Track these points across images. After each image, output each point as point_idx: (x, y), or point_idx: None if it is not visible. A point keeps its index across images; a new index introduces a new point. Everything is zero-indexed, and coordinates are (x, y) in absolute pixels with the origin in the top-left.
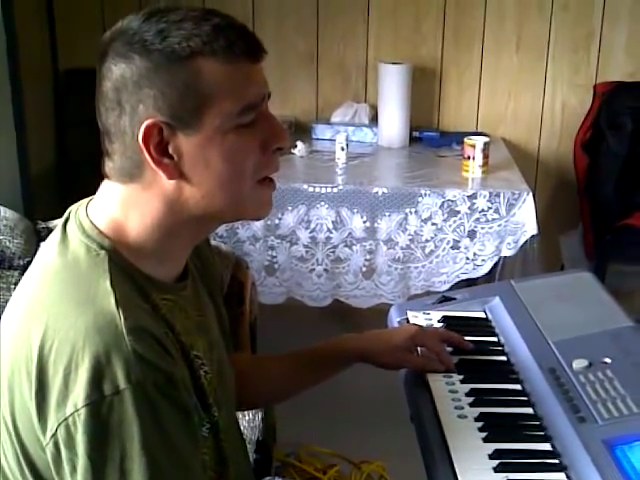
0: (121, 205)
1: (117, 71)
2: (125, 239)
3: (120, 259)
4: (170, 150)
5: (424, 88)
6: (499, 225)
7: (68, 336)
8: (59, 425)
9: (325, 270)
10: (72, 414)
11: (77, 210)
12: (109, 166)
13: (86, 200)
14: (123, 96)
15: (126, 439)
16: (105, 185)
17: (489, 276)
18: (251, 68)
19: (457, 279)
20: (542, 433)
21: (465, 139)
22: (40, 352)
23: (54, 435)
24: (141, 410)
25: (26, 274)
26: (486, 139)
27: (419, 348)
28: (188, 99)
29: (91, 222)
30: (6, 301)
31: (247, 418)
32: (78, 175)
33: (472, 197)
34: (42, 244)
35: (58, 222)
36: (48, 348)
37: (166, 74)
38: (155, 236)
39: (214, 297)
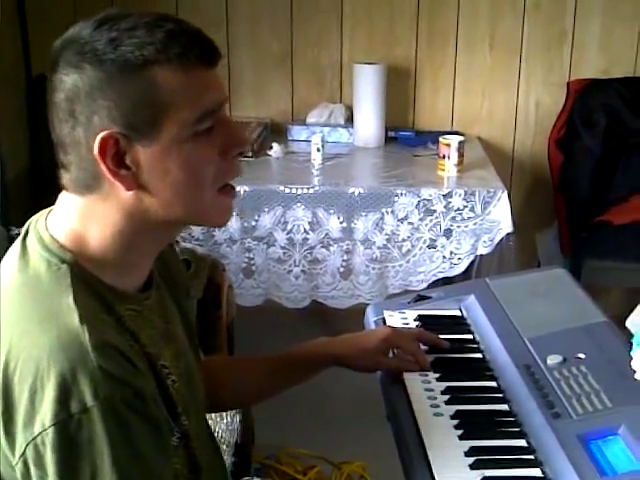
0: (80, 217)
1: (69, 82)
2: (86, 251)
3: (82, 272)
4: (127, 161)
5: (399, 88)
6: (475, 223)
7: (32, 355)
8: (27, 445)
9: (303, 271)
10: (40, 433)
11: (36, 223)
12: (66, 178)
13: (45, 212)
14: (76, 107)
15: (96, 456)
16: (63, 196)
17: (466, 274)
18: (207, 74)
19: (434, 278)
20: (517, 429)
21: (440, 138)
22: (4, 371)
23: (23, 454)
24: (110, 426)
25: None
26: (461, 138)
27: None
28: (143, 109)
29: (51, 235)
30: None
31: (225, 421)
32: (52, 180)
33: (448, 196)
34: (3, 260)
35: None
36: (13, 367)
37: (120, 84)
38: (116, 247)
39: (180, 302)
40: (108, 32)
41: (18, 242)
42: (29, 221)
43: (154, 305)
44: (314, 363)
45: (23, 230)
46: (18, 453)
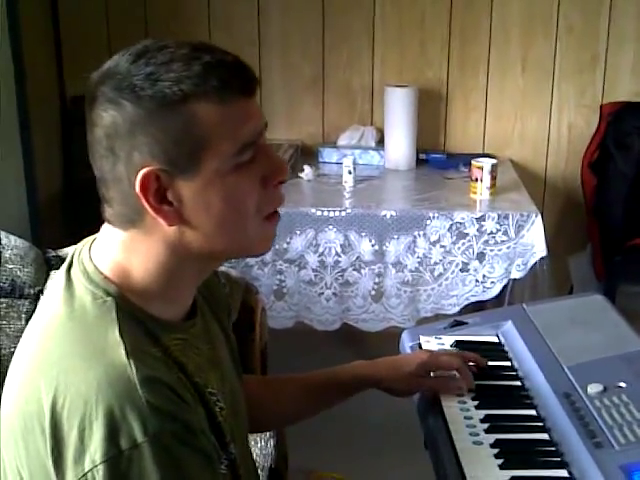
0: (124, 249)
1: (108, 118)
2: (130, 283)
3: (127, 304)
4: (169, 197)
5: (430, 110)
6: (508, 247)
7: (80, 391)
8: None
9: (334, 294)
10: (91, 470)
11: (80, 253)
12: (109, 212)
13: (88, 241)
14: (116, 144)
15: None
16: (106, 228)
17: (499, 298)
18: (246, 104)
19: (466, 302)
20: (558, 459)
21: (473, 161)
22: (53, 408)
23: None
24: (161, 462)
25: (33, 320)
26: (493, 161)
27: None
28: (184, 144)
29: (95, 267)
30: (17, 330)
31: (259, 445)
32: (85, 201)
33: (480, 219)
34: (47, 289)
35: (67, 250)
36: (61, 404)
37: (159, 120)
38: (160, 279)
39: (223, 324)
40: (145, 66)
41: (62, 272)
42: (73, 251)
43: (199, 332)
44: (352, 385)
45: (67, 260)
46: None
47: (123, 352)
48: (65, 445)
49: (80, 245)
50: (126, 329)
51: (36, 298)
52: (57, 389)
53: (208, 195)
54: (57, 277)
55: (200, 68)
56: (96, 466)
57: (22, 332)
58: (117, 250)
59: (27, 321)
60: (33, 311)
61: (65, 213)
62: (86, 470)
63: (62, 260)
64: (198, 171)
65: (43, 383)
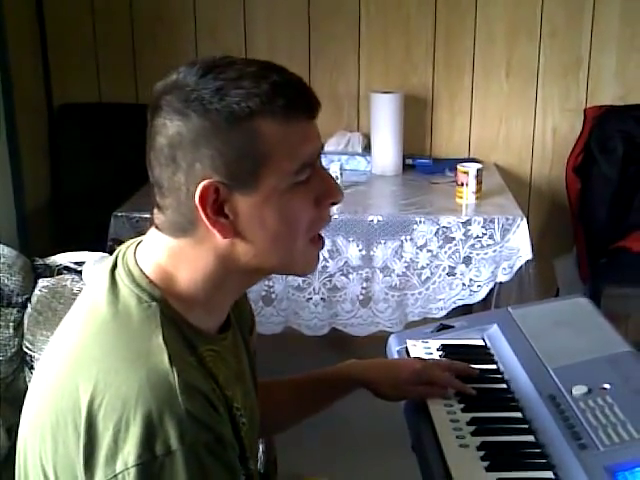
0: (171, 256)
1: (173, 128)
2: (174, 290)
3: (169, 310)
4: (226, 210)
5: (416, 116)
6: (494, 251)
7: (119, 392)
8: None
9: (322, 299)
10: (122, 472)
11: (124, 255)
12: (161, 219)
13: (133, 243)
14: (179, 154)
15: None
16: (154, 233)
17: (485, 301)
18: (308, 124)
19: (454, 305)
20: (544, 461)
21: (458, 166)
22: (89, 406)
23: None
24: (191, 471)
25: (70, 318)
26: (479, 165)
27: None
28: (246, 160)
29: (141, 270)
30: (4, 339)
31: None
32: (73, 210)
33: (466, 223)
34: (86, 288)
35: (55, 259)
36: (98, 403)
37: (224, 134)
38: (205, 289)
39: (245, 339)
40: (214, 81)
41: (106, 273)
42: (116, 252)
43: (230, 345)
44: (344, 384)
45: (111, 261)
46: None
47: (166, 358)
48: (98, 444)
49: (124, 247)
50: (168, 335)
51: (23, 306)
52: (96, 387)
53: (264, 211)
54: (99, 277)
55: (268, 87)
56: (128, 469)
57: (10, 340)
58: (163, 256)
59: (15, 329)
60: (21, 319)
61: (53, 222)
62: (117, 472)
63: (50, 268)
64: (257, 187)
65: (81, 380)
